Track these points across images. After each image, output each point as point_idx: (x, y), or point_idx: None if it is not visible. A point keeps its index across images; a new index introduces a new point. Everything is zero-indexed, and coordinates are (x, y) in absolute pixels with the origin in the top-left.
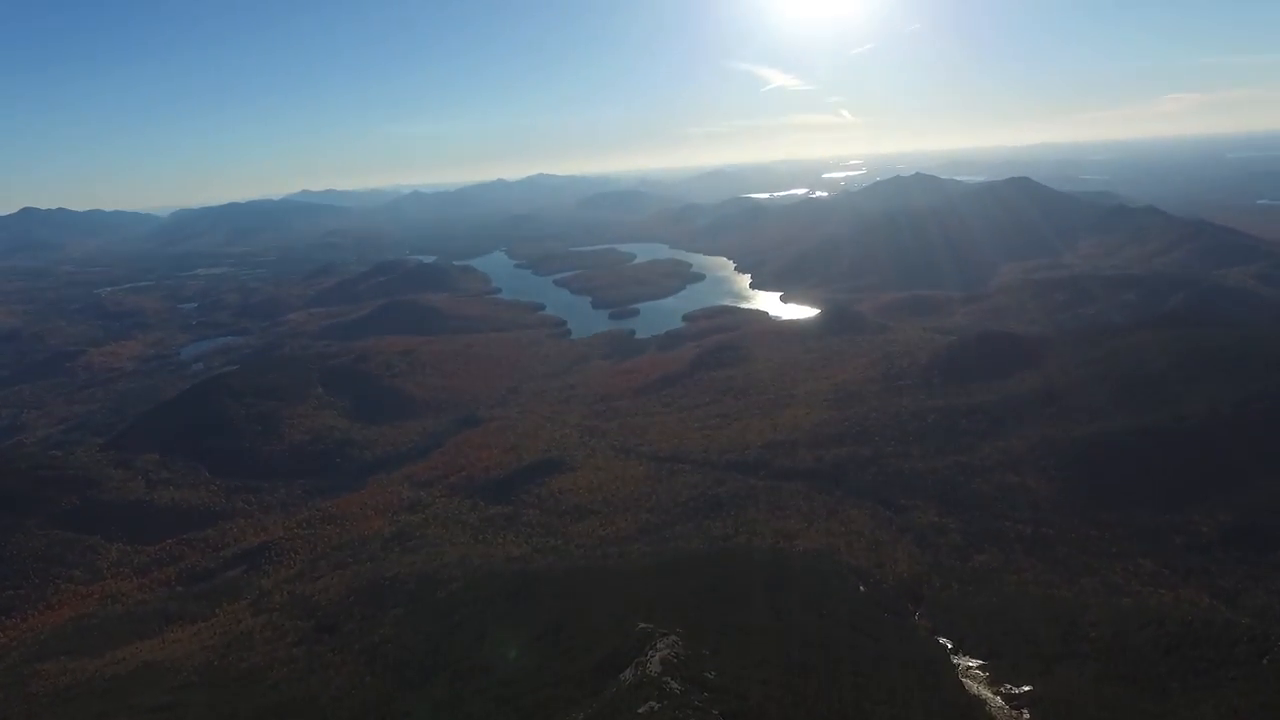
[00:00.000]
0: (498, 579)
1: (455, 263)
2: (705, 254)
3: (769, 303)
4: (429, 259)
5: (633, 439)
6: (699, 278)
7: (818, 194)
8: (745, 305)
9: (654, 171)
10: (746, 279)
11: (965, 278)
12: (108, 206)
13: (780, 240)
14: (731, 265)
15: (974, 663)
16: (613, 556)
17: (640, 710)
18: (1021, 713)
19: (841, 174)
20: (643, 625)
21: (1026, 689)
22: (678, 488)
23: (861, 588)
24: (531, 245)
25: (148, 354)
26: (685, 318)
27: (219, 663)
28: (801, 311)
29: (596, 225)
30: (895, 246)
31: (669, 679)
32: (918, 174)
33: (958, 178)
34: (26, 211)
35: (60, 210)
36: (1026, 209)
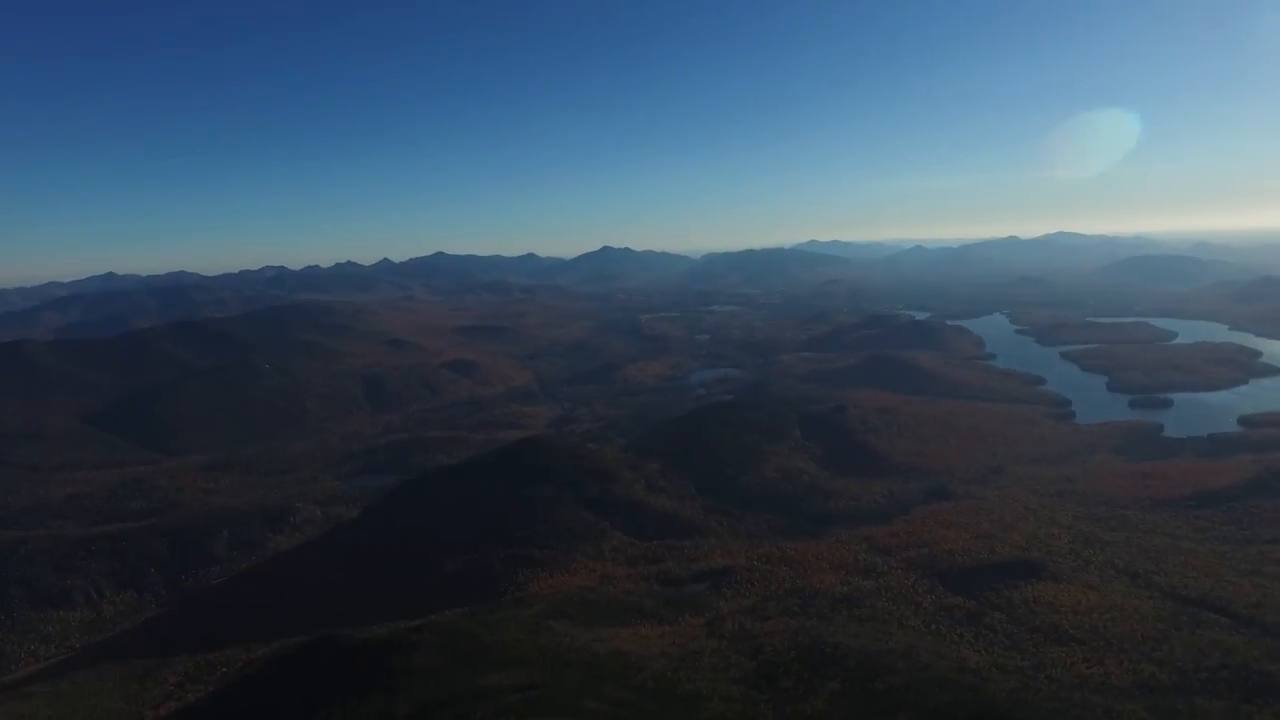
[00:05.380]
0: (946, 691)
1: (949, 322)
2: None
3: None
4: (921, 316)
5: (1144, 562)
6: (1270, 371)
7: None
8: None
9: (1216, 234)
10: None
11: None
12: (658, 248)
13: None
14: None
15: None
16: (1095, 710)
17: None
18: None
19: None
20: None
21: None
22: (1204, 645)
23: None
24: (1038, 311)
25: (666, 374)
26: (1243, 420)
27: (671, 675)
28: None
29: (1125, 294)
30: None
31: None
32: None
33: None
34: (605, 250)
35: (625, 249)
36: None
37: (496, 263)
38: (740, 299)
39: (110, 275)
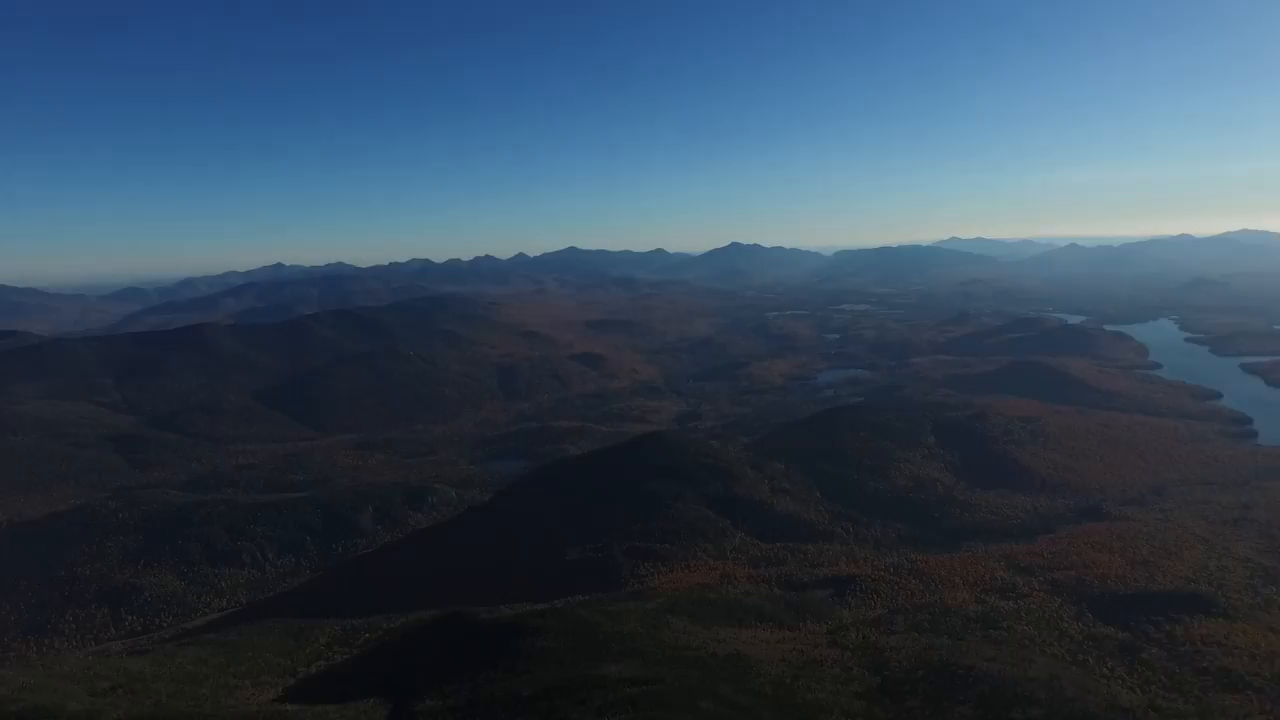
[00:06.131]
0: None
1: (1106, 327)
2: None
3: None
4: (1074, 319)
5: None
6: None
7: None
8: None
9: None
10: None
11: None
12: (788, 244)
13: None
14: None
15: None
16: None
17: None
18: None
19: None
20: None
21: None
22: None
23: None
24: (1214, 316)
25: (793, 373)
26: None
27: (790, 682)
28: None
29: None
30: None
31: None
32: None
33: None
34: (733, 246)
35: (754, 246)
36: None
37: (626, 258)
38: (873, 298)
39: (279, 266)
